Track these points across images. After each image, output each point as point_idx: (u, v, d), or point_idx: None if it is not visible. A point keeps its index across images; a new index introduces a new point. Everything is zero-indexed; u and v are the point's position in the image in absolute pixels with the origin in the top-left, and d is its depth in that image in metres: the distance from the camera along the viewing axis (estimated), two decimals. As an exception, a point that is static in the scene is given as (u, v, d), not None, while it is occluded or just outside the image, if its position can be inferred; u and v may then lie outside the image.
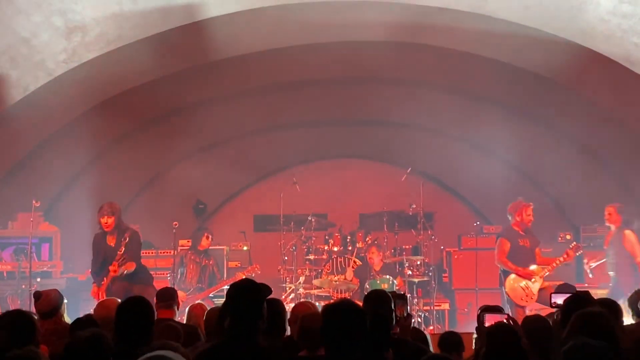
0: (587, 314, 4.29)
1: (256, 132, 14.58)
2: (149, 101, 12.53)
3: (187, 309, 7.45)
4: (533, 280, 10.43)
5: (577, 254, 10.77)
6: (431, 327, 11.67)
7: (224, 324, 4.58)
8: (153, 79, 11.85)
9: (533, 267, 10.55)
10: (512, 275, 10.52)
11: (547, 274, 10.52)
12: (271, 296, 6.30)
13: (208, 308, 7.46)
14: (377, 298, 5.89)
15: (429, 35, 11.51)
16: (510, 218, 10.89)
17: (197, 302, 8.51)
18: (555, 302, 5.43)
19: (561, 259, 10.58)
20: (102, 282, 9.76)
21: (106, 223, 9.82)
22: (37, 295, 6.71)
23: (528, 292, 10.44)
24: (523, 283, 10.45)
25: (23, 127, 11.35)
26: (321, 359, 4.84)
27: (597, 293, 6.54)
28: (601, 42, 10.51)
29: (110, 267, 9.63)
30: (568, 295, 5.24)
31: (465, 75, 12.48)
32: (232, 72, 12.28)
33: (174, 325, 5.65)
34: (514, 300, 10.50)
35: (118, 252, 9.75)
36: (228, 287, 4.74)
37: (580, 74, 11.43)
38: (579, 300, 4.93)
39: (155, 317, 5.38)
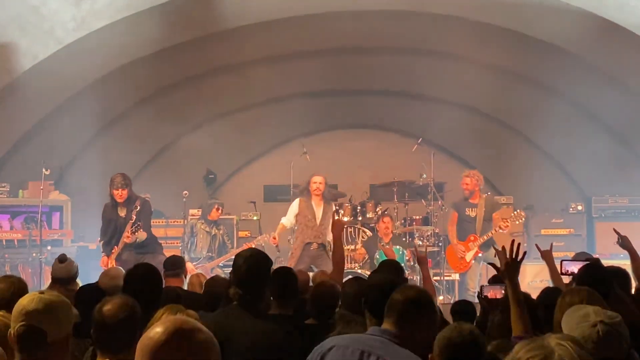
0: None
1: (267, 102, 14.54)
2: (158, 70, 12.50)
3: (187, 279, 7.46)
4: (465, 250, 11.11)
5: (517, 222, 11.38)
6: (441, 297, 11.68)
7: (230, 293, 4.57)
8: (162, 48, 11.81)
9: (471, 236, 11.11)
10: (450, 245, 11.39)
11: (482, 241, 10.95)
12: (283, 265, 6.33)
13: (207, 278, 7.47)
14: (390, 268, 5.89)
15: (440, 4, 11.43)
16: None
17: (196, 272, 8.52)
18: (567, 270, 5.39)
19: (497, 228, 10.92)
20: (112, 252, 9.79)
21: (120, 195, 9.83)
22: (63, 259, 6.62)
23: (462, 261, 11.19)
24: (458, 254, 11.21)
25: (33, 95, 11.35)
26: (330, 327, 4.84)
27: (608, 263, 6.46)
28: (614, 10, 10.42)
29: (124, 234, 9.65)
30: (580, 263, 5.20)
31: (476, 44, 12.38)
32: (242, 41, 12.22)
33: (174, 288, 5.62)
34: (450, 265, 11.51)
35: (129, 222, 9.77)
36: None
37: (592, 42, 11.33)
38: (593, 268, 4.89)
39: (164, 286, 5.37)
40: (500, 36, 11.90)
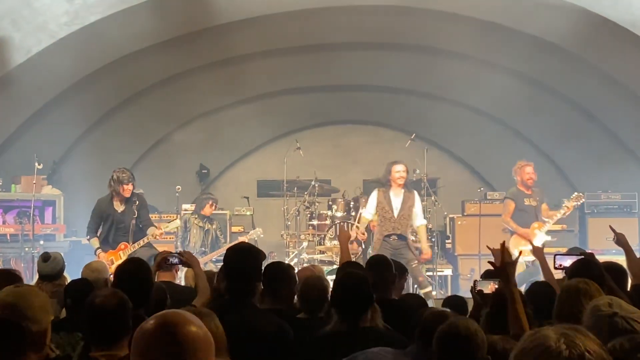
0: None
1: (260, 97, 14.53)
2: (151, 65, 12.47)
3: (183, 273, 7.43)
4: (535, 237, 10.46)
5: (579, 203, 10.85)
6: (434, 292, 11.69)
7: (221, 287, 4.57)
8: (155, 43, 11.79)
9: (535, 224, 10.65)
10: (515, 235, 10.72)
11: (548, 227, 10.62)
12: (278, 260, 6.32)
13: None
14: (379, 263, 5.90)
15: (434, 1, 11.43)
16: (515, 180, 11.00)
17: None
18: (560, 264, 5.38)
19: (562, 211, 10.61)
20: (119, 248, 9.72)
21: (128, 190, 9.81)
22: (46, 257, 6.63)
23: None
24: (522, 243, 10.38)
25: (26, 89, 11.33)
26: (320, 321, 4.85)
27: (601, 258, 6.45)
28: (608, 7, 10.42)
29: (157, 231, 9.67)
30: (573, 258, 5.19)
31: (470, 40, 12.39)
32: (235, 37, 12.20)
33: (160, 286, 5.62)
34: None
35: (132, 217, 9.74)
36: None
37: (587, 39, 11.34)
38: (586, 264, 4.88)
39: (155, 280, 5.38)
40: (493, 32, 11.90)
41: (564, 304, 4.21)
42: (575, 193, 10.96)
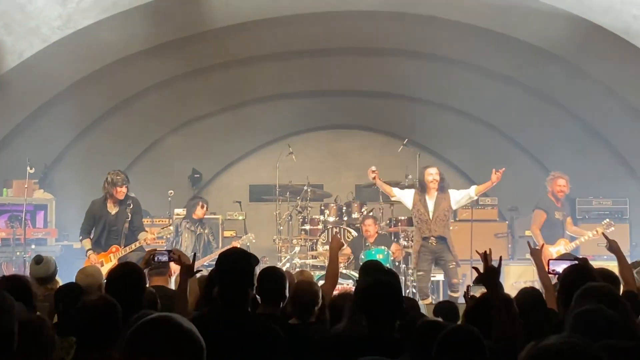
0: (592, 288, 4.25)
1: (253, 102, 14.54)
2: (143, 70, 12.46)
3: (173, 278, 7.42)
4: (556, 251, 10.44)
5: (609, 230, 10.46)
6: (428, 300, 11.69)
7: (212, 292, 4.57)
8: (148, 47, 11.77)
9: (561, 240, 10.65)
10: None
11: (574, 247, 10.58)
12: (270, 265, 6.32)
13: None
14: (373, 269, 5.90)
15: (427, 6, 11.45)
16: (546, 189, 11.03)
17: None
18: (553, 270, 5.37)
19: (590, 234, 10.55)
20: (109, 251, 9.70)
21: (122, 192, 9.79)
22: (39, 260, 6.62)
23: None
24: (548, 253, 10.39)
25: (18, 93, 11.30)
26: (311, 327, 4.86)
27: (592, 264, 6.45)
28: (600, 14, 10.45)
29: (149, 236, 9.66)
30: (567, 263, 5.20)
31: (463, 46, 12.43)
32: (228, 42, 12.21)
33: (151, 291, 5.62)
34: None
35: (125, 220, 9.73)
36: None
37: (579, 46, 11.38)
38: (579, 269, 4.88)
39: (148, 285, 5.37)
40: (486, 38, 11.92)
41: (580, 304, 4.19)
42: (607, 220, 10.95)
